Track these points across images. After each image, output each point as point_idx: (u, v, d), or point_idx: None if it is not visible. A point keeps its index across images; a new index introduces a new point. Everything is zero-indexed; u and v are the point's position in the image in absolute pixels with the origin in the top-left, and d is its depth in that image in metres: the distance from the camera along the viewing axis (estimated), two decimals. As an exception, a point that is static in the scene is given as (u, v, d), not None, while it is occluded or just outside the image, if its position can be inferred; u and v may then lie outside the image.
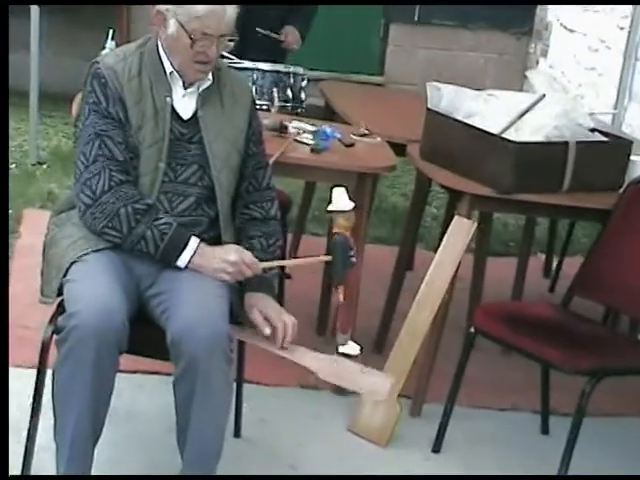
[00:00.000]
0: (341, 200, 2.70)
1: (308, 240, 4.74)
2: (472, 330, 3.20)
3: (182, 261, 2.66)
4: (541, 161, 3.31)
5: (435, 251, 3.43)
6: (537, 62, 7.50)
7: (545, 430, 3.48)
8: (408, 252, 4.13)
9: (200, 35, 2.65)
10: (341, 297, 2.70)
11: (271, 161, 3.06)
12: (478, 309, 3.32)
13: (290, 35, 4.67)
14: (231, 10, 2.66)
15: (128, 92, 2.68)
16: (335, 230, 2.71)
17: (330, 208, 2.71)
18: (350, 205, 2.70)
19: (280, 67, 4.09)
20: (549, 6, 7.37)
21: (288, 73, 4.07)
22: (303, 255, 4.52)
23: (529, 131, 3.39)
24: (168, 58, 2.73)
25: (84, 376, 2.49)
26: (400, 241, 4.14)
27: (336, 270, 2.69)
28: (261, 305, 2.72)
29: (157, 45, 2.75)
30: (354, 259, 2.69)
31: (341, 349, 2.77)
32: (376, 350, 3.84)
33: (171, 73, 2.74)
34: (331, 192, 2.73)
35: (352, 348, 2.76)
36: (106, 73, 2.68)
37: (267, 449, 3.17)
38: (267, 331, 2.68)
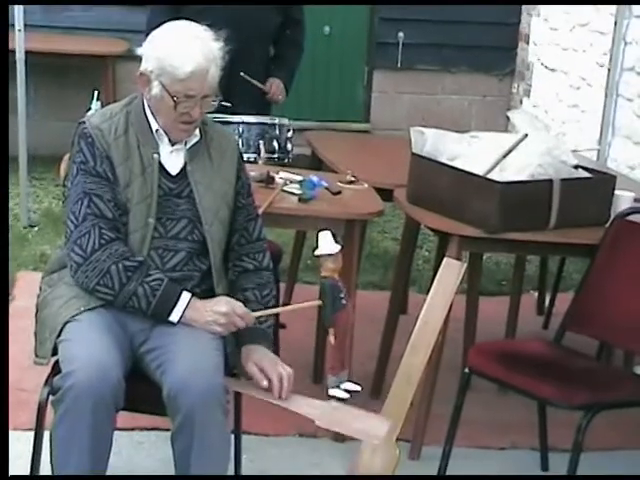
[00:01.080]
0: (327, 243, 2.73)
1: (301, 289, 4.75)
2: (467, 370, 3.22)
3: (174, 316, 2.68)
4: (527, 200, 3.34)
5: (428, 294, 3.44)
6: (521, 102, 7.58)
7: (545, 467, 3.48)
8: (400, 296, 4.15)
9: (183, 97, 2.68)
10: (332, 339, 2.71)
11: (259, 212, 3.08)
12: (472, 349, 3.33)
13: (275, 86, 4.71)
14: (214, 71, 2.70)
15: (115, 150, 2.72)
16: (323, 273, 2.73)
17: (317, 252, 2.74)
18: (337, 248, 2.73)
19: (265, 119, 4.13)
20: (530, 47, 7.47)
21: (273, 125, 4.11)
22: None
23: (514, 171, 3.43)
24: (154, 116, 2.78)
25: (82, 435, 2.50)
26: (392, 285, 4.16)
27: (327, 313, 2.71)
28: (257, 357, 2.73)
29: (143, 103, 2.79)
30: (344, 301, 2.71)
31: (330, 392, 2.77)
32: (373, 395, 3.85)
33: (157, 130, 2.77)
34: (317, 237, 2.75)
35: (341, 392, 2.76)
36: (93, 132, 2.72)
37: (268, 500, 3.18)
38: (264, 384, 2.69)
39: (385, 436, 2.74)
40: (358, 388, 2.77)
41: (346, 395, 2.75)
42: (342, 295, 2.70)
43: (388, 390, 3.42)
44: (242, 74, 4.44)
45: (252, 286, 2.86)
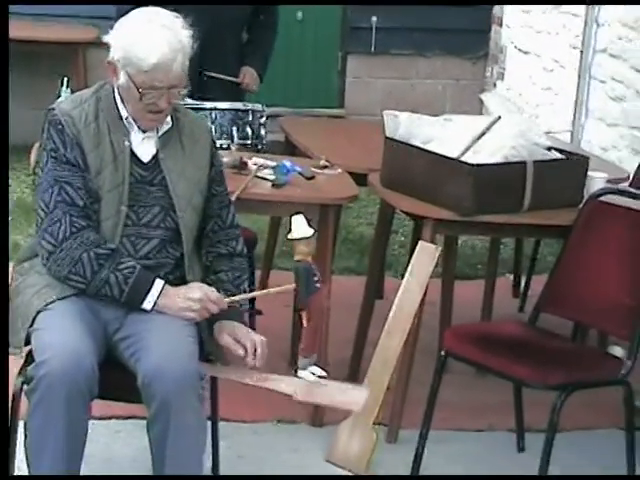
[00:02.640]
0: (301, 227, 2.72)
1: (277, 275, 4.73)
2: (442, 353, 3.22)
3: (147, 304, 2.67)
4: (500, 182, 3.35)
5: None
6: (494, 85, 7.59)
7: (521, 448, 3.50)
8: (376, 280, 4.15)
9: (149, 88, 2.65)
10: (305, 322, 2.71)
11: (233, 198, 3.07)
12: (447, 331, 3.34)
13: (248, 76, 4.68)
14: (181, 60, 2.65)
15: (85, 137, 2.69)
16: (297, 257, 2.72)
17: (291, 236, 2.73)
18: (310, 231, 2.72)
19: (238, 105, 4.11)
20: (503, 30, 7.47)
21: (247, 111, 4.08)
22: (273, 290, 4.54)
23: (487, 153, 3.43)
24: (123, 104, 2.75)
25: (56, 424, 2.49)
26: (367, 270, 4.16)
27: (301, 296, 2.70)
28: (230, 329, 2.73)
29: (113, 90, 2.76)
30: (318, 284, 2.70)
31: (300, 374, 2.76)
32: (350, 380, 3.83)
33: (127, 118, 2.75)
34: (290, 220, 2.75)
35: (310, 375, 2.75)
36: (63, 119, 2.69)
37: (246, 486, 3.18)
38: (240, 352, 2.69)
39: (363, 403, 2.74)
40: (324, 373, 2.77)
41: (314, 378, 2.74)
42: (316, 278, 2.69)
43: (365, 375, 3.45)
44: (210, 74, 4.42)
45: (226, 269, 2.85)
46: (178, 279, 2.77)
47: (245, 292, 2.89)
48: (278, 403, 3.49)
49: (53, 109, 2.73)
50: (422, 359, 3.61)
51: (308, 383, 2.72)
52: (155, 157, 2.79)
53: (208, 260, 2.88)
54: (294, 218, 2.73)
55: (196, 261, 2.86)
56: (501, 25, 7.51)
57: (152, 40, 2.62)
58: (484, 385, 3.86)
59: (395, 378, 3.40)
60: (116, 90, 2.75)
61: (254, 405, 3.55)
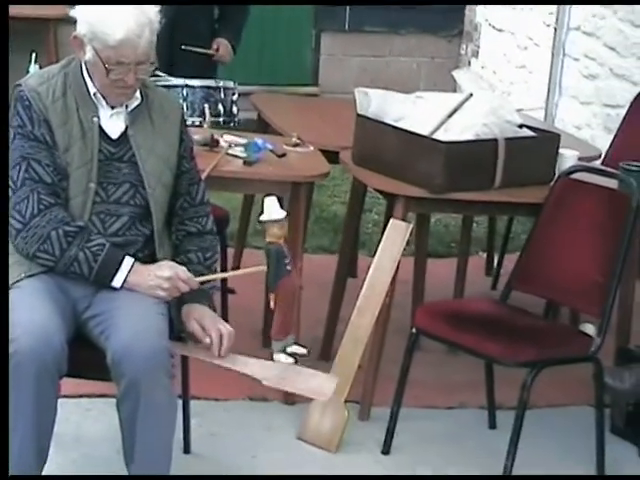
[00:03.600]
0: (273, 209, 2.71)
1: (250, 254, 4.72)
2: (414, 330, 3.23)
3: (117, 281, 2.66)
4: (471, 159, 3.35)
5: (376, 256, 3.45)
6: (469, 63, 7.59)
7: (492, 425, 3.51)
8: (348, 259, 4.15)
9: (115, 64, 2.62)
10: (272, 304, 2.71)
11: (203, 176, 3.05)
12: (418, 309, 3.35)
13: (221, 47, 4.66)
14: (147, 35, 2.62)
15: (53, 113, 2.67)
16: (269, 239, 2.71)
17: (263, 218, 2.72)
18: (282, 214, 2.72)
19: (210, 82, 4.09)
20: (477, 7, 7.46)
21: (218, 88, 4.07)
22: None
23: (458, 130, 3.43)
24: (91, 79, 2.72)
25: (25, 402, 2.49)
26: (339, 248, 4.16)
27: (270, 279, 2.70)
28: (198, 315, 2.72)
29: (81, 65, 2.73)
30: (289, 267, 2.70)
31: (275, 357, 2.77)
32: (323, 358, 3.85)
33: (95, 94, 2.72)
34: (262, 202, 2.74)
35: (285, 357, 2.76)
36: (30, 95, 2.66)
37: (218, 463, 3.17)
38: (207, 340, 2.68)
39: (331, 393, 2.74)
40: (304, 351, 2.77)
41: (291, 360, 2.75)
42: (287, 261, 2.70)
43: (337, 353, 3.45)
44: (184, 47, 4.41)
45: (195, 248, 2.84)
46: (148, 257, 2.76)
47: (216, 272, 2.89)
48: (250, 380, 3.49)
49: (20, 85, 2.70)
50: (394, 337, 3.61)
51: (278, 369, 2.73)
52: (124, 133, 2.76)
53: (177, 238, 2.86)
54: (267, 200, 2.72)
55: (166, 238, 2.85)
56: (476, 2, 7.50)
57: (118, 15, 2.59)
58: (455, 363, 3.87)
59: (367, 356, 3.41)
60: (83, 65, 2.72)
61: (226, 382, 3.54)
